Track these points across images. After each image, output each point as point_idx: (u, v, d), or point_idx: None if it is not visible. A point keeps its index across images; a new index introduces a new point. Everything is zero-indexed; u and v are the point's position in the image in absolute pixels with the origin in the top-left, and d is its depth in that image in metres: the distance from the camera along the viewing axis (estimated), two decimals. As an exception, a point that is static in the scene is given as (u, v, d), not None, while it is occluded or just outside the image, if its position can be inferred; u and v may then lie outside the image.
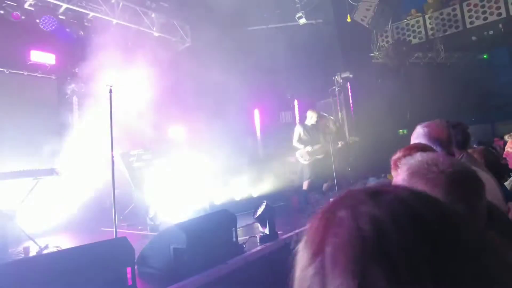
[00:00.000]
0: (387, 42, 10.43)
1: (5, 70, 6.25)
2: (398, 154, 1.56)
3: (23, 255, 3.87)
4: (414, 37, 10.50)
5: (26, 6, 6.47)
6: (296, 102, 10.17)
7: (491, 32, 9.06)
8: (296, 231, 4.16)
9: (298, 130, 6.42)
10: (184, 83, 7.88)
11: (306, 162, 6.24)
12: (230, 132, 7.91)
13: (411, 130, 1.85)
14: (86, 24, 7.37)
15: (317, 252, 0.44)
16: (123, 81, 7.71)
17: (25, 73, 6.51)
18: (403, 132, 9.19)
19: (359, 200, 0.46)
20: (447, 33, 9.92)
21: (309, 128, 6.48)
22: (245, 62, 8.11)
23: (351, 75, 9.17)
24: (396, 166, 1.58)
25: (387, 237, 0.41)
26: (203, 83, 8.30)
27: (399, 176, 0.97)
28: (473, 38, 9.46)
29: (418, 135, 1.77)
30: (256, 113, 10.41)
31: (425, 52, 9.99)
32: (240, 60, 8.15)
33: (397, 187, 0.54)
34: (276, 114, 10.07)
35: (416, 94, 8.90)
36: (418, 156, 1.00)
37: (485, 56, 11.62)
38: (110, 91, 3.85)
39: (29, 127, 6.10)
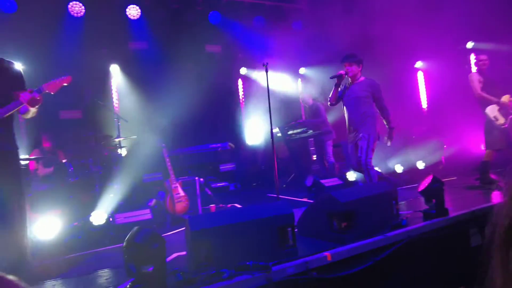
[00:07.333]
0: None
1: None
2: None
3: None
4: None
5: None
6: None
7: None
8: (473, 209, 3.55)
9: (476, 77, 4.97)
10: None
11: (503, 125, 4.77)
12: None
13: None
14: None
15: (494, 222, 0.37)
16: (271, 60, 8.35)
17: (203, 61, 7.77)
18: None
19: None
20: None
21: (486, 78, 4.98)
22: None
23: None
24: None
25: None
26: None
27: None
28: None
29: None
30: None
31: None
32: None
33: None
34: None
35: None
36: None
37: None
38: (266, 69, 4.18)
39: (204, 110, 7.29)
